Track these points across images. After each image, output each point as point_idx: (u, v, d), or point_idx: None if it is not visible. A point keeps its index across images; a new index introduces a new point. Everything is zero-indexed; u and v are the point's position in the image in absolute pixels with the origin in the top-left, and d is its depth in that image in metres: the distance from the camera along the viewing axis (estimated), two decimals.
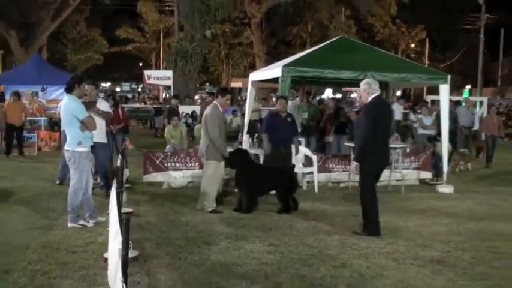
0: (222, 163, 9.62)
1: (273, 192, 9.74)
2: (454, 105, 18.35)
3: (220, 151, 9.49)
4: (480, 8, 41.65)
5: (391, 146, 12.83)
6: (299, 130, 12.55)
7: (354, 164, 8.08)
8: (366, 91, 8.13)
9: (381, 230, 8.09)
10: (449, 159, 15.11)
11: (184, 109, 22.83)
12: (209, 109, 9.65)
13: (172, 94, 25.05)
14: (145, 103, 38.45)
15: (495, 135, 16.98)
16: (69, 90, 8.23)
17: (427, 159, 13.34)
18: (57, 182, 11.62)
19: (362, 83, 8.31)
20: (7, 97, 19.27)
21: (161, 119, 25.95)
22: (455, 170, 15.18)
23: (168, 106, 21.99)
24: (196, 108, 22.42)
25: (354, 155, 8.19)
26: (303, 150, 12.13)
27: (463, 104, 19.65)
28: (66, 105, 8.16)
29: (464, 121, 17.46)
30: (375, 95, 8.13)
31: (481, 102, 27.26)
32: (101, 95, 13.83)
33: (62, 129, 11.61)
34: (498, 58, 51.16)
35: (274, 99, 31.88)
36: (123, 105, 19.41)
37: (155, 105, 30.99)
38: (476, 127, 18.43)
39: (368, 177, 8.08)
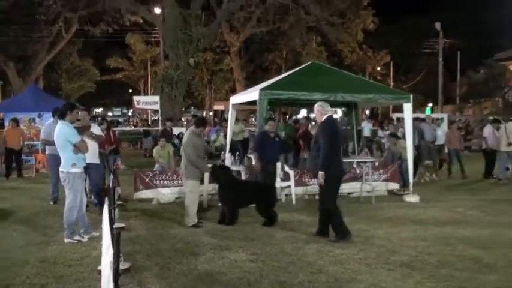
0: (205, 180, 9.60)
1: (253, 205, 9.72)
2: (420, 121, 18.49)
3: (204, 170, 9.60)
4: (438, 33, 42.19)
5: (361, 160, 12.98)
6: None
7: (320, 173, 8.15)
8: (319, 112, 8.45)
9: (354, 238, 8.13)
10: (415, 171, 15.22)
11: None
12: (186, 136, 9.65)
13: (158, 117, 25.02)
14: (136, 126, 38.25)
15: (457, 149, 17.07)
16: (61, 116, 8.18)
17: (395, 171, 13.40)
18: (51, 202, 11.51)
19: (316, 105, 8.58)
20: (6, 124, 19.11)
21: (149, 140, 25.82)
22: (420, 181, 15.25)
23: (161, 128, 21.83)
24: (183, 130, 22.34)
25: (319, 166, 8.23)
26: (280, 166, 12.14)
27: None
28: (60, 131, 8.08)
29: (428, 136, 17.55)
30: (327, 114, 8.43)
31: (442, 119, 27.51)
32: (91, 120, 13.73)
33: (47, 153, 11.51)
34: (456, 78, 51.76)
35: (253, 119, 32.05)
36: (114, 129, 19.29)
37: (144, 128, 30.89)
38: (440, 141, 18.47)
39: (331, 186, 8.24)
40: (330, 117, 8.49)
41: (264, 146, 10.91)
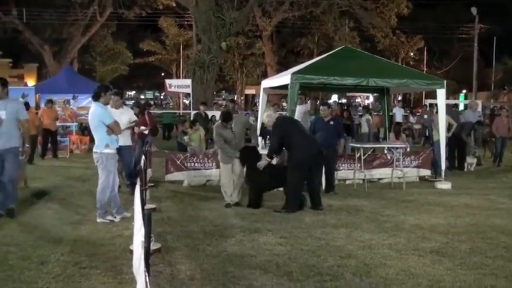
0: (236, 165, 9.61)
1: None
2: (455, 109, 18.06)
3: (231, 155, 9.58)
4: (474, 18, 41.33)
5: (392, 145, 12.84)
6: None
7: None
8: (269, 122, 9.67)
9: (384, 224, 8.10)
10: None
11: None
12: (215, 126, 9.92)
13: (190, 101, 25.17)
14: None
15: (505, 137, 16.61)
16: (96, 98, 8.26)
17: (427, 158, 13.24)
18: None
19: (265, 116, 10.05)
20: (42, 105, 19.43)
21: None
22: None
23: (193, 112, 21.88)
24: (215, 113, 22.39)
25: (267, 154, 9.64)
26: None
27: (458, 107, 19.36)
28: (94, 112, 8.18)
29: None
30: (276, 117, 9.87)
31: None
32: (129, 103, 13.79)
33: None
34: (491, 65, 50.68)
35: (284, 104, 31.96)
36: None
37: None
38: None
39: (297, 168, 9.17)
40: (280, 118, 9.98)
41: (316, 130, 11.07)
